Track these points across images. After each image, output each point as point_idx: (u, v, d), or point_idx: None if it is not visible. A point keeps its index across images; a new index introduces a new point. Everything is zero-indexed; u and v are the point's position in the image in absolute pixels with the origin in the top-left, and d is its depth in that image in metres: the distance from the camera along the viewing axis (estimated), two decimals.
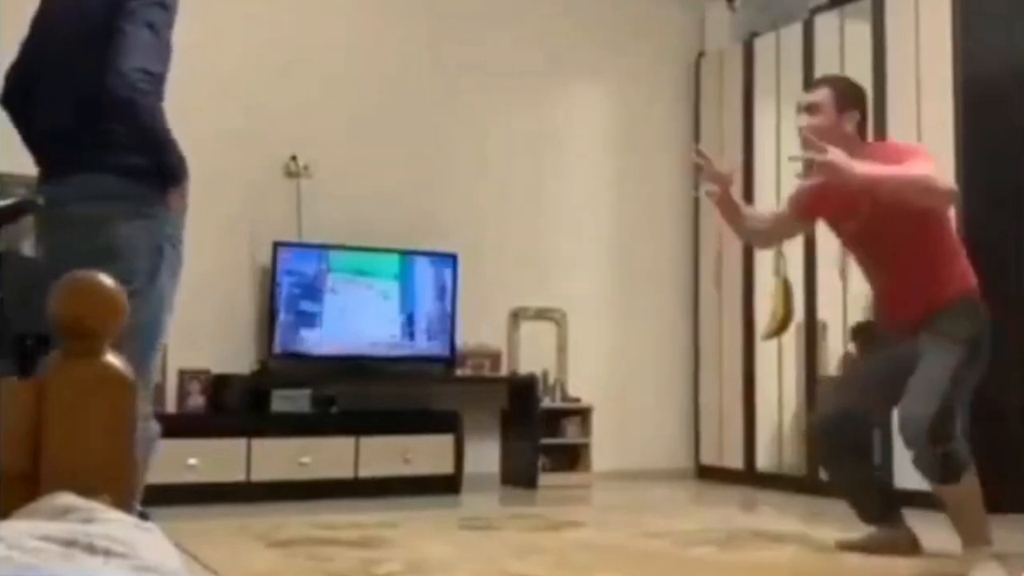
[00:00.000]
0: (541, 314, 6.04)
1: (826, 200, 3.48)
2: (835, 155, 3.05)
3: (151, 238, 2.51)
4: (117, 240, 2.47)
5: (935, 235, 3.34)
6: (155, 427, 2.54)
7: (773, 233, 3.77)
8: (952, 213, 4.76)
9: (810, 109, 3.42)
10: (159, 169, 2.53)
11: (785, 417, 5.65)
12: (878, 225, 3.35)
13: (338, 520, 4.12)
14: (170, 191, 2.55)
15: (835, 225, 3.59)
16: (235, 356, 5.18)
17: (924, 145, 3.67)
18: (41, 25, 2.71)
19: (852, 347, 5.13)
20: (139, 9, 2.45)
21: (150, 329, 2.47)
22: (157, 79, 2.50)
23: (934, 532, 3.81)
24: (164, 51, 2.56)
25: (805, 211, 3.60)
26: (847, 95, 3.44)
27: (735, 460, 5.91)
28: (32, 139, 2.70)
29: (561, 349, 6.07)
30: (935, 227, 3.33)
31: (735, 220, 3.62)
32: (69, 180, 2.54)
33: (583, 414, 5.86)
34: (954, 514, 3.26)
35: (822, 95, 3.41)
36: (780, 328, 5.54)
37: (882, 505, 3.63)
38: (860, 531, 3.64)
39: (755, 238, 3.85)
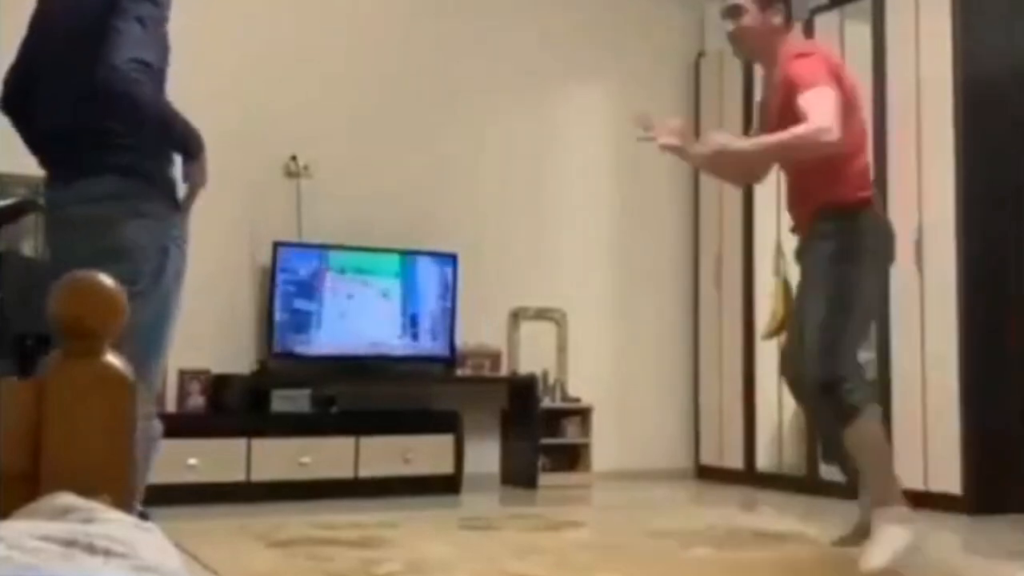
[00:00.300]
0: (541, 314, 6.04)
1: (763, 109, 3.53)
2: (713, 142, 3.11)
3: (156, 239, 2.51)
4: (121, 241, 2.46)
5: None
6: (157, 426, 2.53)
7: (752, 166, 3.74)
8: (952, 211, 4.79)
9: (733, 12, 3.40)
10: (180, 147, 2.56)
11: (785, 417, 5.65)
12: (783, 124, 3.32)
13: (338, 520, 4.12)
14: (190, 167, 2.57)
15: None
16: (235, 356, 5.18)
17: (838, 62, 3.44)
18: (39, 25, 2.70)
19: None
20: (130, 7, 2.46)
21: (152, 330, 2.47)
22: (153, 70, 2.50)
23: (933, 533, 3.81)
24: (157, 45, 2.56)
25: (758, 127, 3.63)
26: None
27: (735, 460, 5.91)
28: (34, 140, 2.69)
29: (561, 349, 6.07)
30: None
31: (707, 166, 3.68)
32: (72, 184, 2.53)
33: (583, 414, 5.86)
34: (859, 461, 3.22)
35: None
36: (780, 328, 5.50)
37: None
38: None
39: (738, 178, 3.89)
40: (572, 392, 5.98)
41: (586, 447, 5.84)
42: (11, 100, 2.72)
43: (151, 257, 2.49)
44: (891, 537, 3.08)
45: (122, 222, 2.48)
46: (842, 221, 3.31)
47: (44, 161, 2.67)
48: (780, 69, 3.33)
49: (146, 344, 2.42)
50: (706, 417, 6.17)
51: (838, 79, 3.23)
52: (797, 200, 3.47)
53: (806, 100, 3.11)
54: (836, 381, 3.18)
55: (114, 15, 2.45)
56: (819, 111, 3.06)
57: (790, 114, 3.17)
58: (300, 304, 5.24)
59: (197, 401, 5.01)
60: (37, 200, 2.53)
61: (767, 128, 3.47)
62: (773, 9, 3.39)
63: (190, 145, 2.57)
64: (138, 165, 2.52)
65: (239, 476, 4.80)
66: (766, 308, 5.66)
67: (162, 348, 2.54)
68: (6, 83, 2.74)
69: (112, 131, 2.50)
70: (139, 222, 2.50)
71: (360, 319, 5.37)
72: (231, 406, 5.00)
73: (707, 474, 6.10)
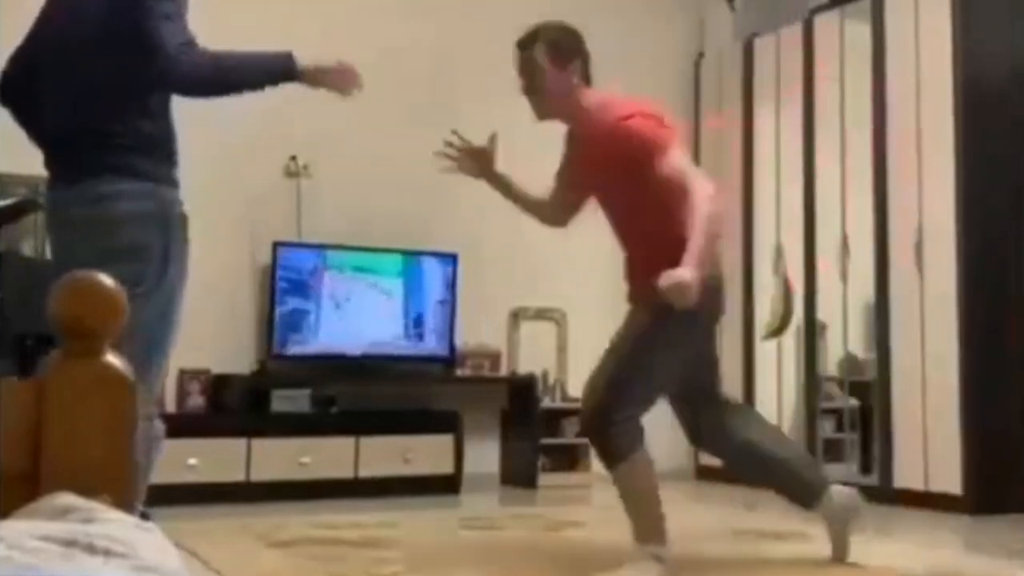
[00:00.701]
0: (541, 314, 6.04)
1: (573, 164, 3.50)
2: (677, 281, 2.81)
3: (159, 239, 2.51)
4: (124, 241, 2.46)
5: (672, 210, 3.03)
6: (160, 427, 2.53)
7: (556, 207, 3.72)
8: (952, 211, 4.79)
9: (529, 69, 3.34)
10: (274, 81, 2.56)
11: (785, 417, 5.65)
12: (614, 196, 3.31)
13: (338, 520, 4.12)
14: (305, 80, 2.59)
15: (585, 187, 3.52)
16: (235, 356, 5.18)
17: (661, 115, 3.23)
18: (43, 26, 2.71)
19: None
20: (154, 6, 2.47)
21: (154, 330, 2.47)
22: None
23: (932, 532, 3.81)
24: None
25: (564, 175, 3.62)
26: (563, 47, 3.36)
27: None
28: (40, 140, 2.70)
29: (561, 349, 6.07)
30: (675, 202, 3.02)
31: (512, 196, 3.66)
32: (74, 184, 2.54)
33: None
34: (624, 502, 3.17)
35: (539, 54, 3.33)
36: (780, 328, 5.55)
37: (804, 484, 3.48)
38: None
39: (543, 216, 3.85)
40: (572, 392, 5.97)
41: (586, 447, 5.82)
42: (9, 92, 2.73)
43: (154, 258, 2.49)
44: (643, 570, 3.05)
45: (123, 223, 2.48)
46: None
47: (48, 161, 2.68)
48: (595, 128, 3.24)
49: (147, 345, 2.42)
50: None
51: (669, 132, 3.14)
52: (640, 272, 3.24)
53: (671, 165, 3.01)
54: (608, 420, 3.11)
55: (141, 18, 2.46)
56: (694, 179, 2.97)
57: (622, 171, 3.14)
58: (300, 304, 5.24)
59: (197, 401, 5.01)
60: (37, 200, 2.53)
61: (579, 178, 3.50)
62: (572, 67, 3.32)
63: (283, 73, 2.58)
64: (138, 165, 2.52)
65: (239, 476, 4.80)
66: (766, 308, 5.69)
67: (164, 349, 2.54)
68: (5, 73, 2.75)
69: (113, 132, 2.51)
70: (141, 222, 2.50)
71: (359, 319, 5.37)
72: (231, 406, 5.01)
73: (707, 474, 6.09)
